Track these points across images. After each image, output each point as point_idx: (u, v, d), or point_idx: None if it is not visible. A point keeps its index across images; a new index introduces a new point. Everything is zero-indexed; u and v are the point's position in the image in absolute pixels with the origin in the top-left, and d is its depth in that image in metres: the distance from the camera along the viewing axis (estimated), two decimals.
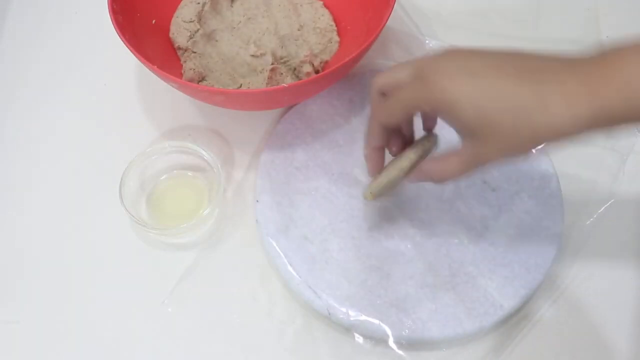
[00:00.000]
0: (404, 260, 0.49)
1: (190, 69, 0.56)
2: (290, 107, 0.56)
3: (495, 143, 0.36)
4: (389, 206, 0.51)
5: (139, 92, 0.60)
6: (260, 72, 0.57)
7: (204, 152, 0.52)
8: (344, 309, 0.46)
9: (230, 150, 0.56)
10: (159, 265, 0.50)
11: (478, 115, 0.35)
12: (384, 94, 0.43)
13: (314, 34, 0.59)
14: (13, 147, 0.57)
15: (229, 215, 0.52)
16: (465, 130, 0.37)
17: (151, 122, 0.58)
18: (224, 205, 0.53)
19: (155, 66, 0.48)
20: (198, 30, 0.58)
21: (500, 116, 0.34)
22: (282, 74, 0.56)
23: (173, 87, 0.50)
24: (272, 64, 0.56)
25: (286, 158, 0.54)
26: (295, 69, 0.57)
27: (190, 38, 0.58)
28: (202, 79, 0.57)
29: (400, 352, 0.45)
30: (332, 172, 0.53)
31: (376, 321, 0.46)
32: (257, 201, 0.51)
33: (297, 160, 0.54)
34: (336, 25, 0.60)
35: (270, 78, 0.55)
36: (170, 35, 0.59)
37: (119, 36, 0.49)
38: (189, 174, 0.54)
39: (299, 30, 0.59)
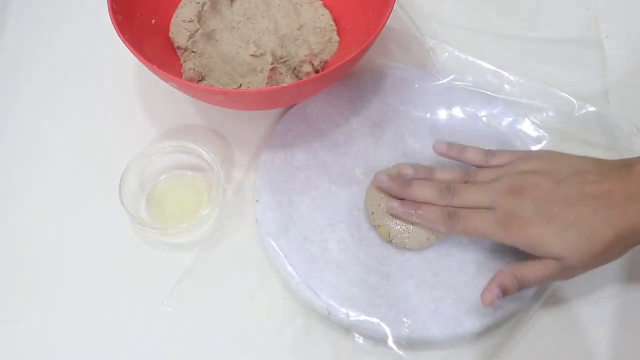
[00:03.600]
0: (404, 260, 0.49)
1: (190, 69, 0.56)
2: (290, 107, 0.56)
3: (577, 259, 0.42)
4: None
5: (139, 92, 0.60)
6: (260, 72, 0.57)
7: (204, 152, 0.52)
8: (344, 309, 0.46)
9: (230, 150, 0.56)
10: (159, 265, 0.50)
11: (563, 248, 0.42)
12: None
13: (314, 34, 0.59)
14: (13, 147, 0.57)
15: (229, 215, 0.52)
16: (548, 256, 0.43)
17: (151, 122, 0.58)
18: (224, 205, 0.53)
19: (155, 66, 0.48)
20: (198, 30, 0.58)
21: (578, 239, 0.42)
22: (282, 73, 0.56)
23: (173, 87, 0.50)
24: (272, 63, 0.56)
25: (286, 158, 0.53)
26: (295, 69, 0.57)
27: (190, 38, 0.58)
28: (202, 78, 0.57)
29: (400, 352, 0.45)
30: (332, 172, 0.53)
31: (376, 321, 0.46)
32: (257, 201, 0.51)
33: (297, 160, 0.54)
34: (336, 25, 0.60)
35: (270, 78, 0.55)
36: (170, 35, 0.59)
37: (119, 36, 0.49)
38: (189, 174, 0.54)
39: (299, 30, 0.59)
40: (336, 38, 0.59)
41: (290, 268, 0.48)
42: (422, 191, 0.48)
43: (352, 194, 0.52)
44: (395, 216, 0.49)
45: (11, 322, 0.48)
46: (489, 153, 0.49)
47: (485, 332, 0.46)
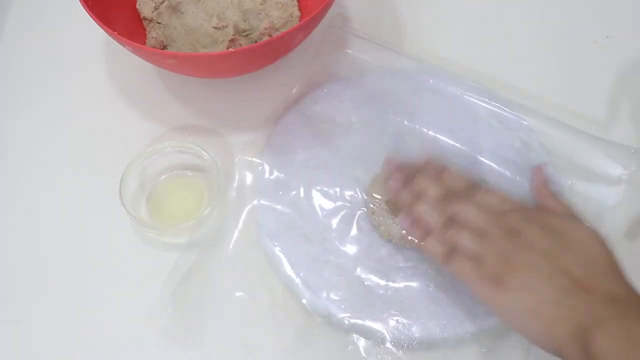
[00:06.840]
0: (404, 260, 0.49)
1: (153, 37, 0.58)
2: (291, 107, 0.56)
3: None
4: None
5: (139, 92, 0.60)
6: (221, 43, 0.58)
7: (204, 152, 0.52)
8: (343, 310, 0.46)
9: (230, 150, 0.56)
10: (159, 265, 0.50)
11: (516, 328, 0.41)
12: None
13: (276, 8, 0.61)
14: (13, 147, 0.57)
15: (229, 216, 0.52)
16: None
17: (151, 122, 0.58)
18: (224, 205, 0.53)
19: (116, 32, 0.49)
20: (163, 1, 0.60)
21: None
22: (241, 44, 0.58)
23: (129, 50, 0.51)
24: (233, 35, 0.58)
25: (286, 158, 0.53)
26: (255, 41, 0.59)
27: (156, 9, 0.60)
28: (163, 47, 0.58)
29: (399, 352, 0.45)
30: (332, 172, 0.53)
31: (376, 322, 0.46)
32: (257, 201, 0.51)
33: (297, 160, 0.54)
34: (297, 1, 0.62)
35: (228, 48, 0.57)
36: (137, 6, 0.60)
37: (83, 6, 0.50)
38: (189, 174, 0.54)
39: (261, 4, 0.61)
40: (297, 13, 0.61)
41: (290, 268, 0.48)
42: (427, 216, 0.47)
43: (352, 193, 0.52)
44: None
45: (11, 322, 0.48)
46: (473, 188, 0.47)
47: (485, 332, 0.46)
